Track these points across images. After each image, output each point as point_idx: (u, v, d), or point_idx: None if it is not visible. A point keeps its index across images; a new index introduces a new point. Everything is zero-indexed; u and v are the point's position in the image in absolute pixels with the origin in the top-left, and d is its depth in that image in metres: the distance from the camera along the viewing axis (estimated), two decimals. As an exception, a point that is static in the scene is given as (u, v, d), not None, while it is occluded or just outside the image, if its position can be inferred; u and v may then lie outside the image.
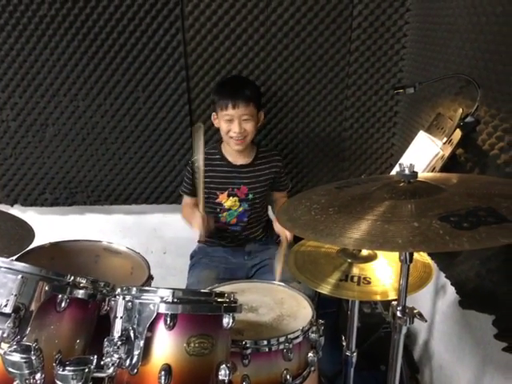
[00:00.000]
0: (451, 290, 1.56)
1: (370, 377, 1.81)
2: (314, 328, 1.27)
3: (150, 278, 1.50)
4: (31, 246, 1.45)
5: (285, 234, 1.69)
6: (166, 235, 2.37)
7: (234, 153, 1.84)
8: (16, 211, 2.18)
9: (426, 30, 1.79)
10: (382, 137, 2.13)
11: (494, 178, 1.10)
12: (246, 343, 1.15)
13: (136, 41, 1.94)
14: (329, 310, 2.11)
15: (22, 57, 1.95)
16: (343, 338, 1.36)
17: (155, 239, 2.37)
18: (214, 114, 1.80)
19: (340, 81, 2.03)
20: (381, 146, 2.14)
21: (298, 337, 1.22)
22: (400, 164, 0.85)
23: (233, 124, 1.72)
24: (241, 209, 1.87)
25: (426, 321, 0.95)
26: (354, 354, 1.35)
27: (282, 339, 1.18)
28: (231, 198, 1.85)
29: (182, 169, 2.15)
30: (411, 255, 0.85)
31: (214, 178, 1.84)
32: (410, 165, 0.83)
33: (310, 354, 1.27)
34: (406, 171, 0.83)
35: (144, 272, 1.52)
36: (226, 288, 1.44)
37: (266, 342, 1.18)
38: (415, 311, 0.92)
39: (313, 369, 1.27)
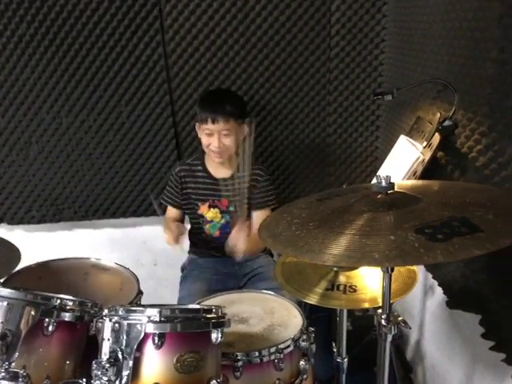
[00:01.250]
0: (439, 291, 1.59)
1: (363, 379, 1.81)
2: (305, 336, 1.28)
3: (140, 293, 1.49)
4: (18, 267, 1.45)
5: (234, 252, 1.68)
6: (156, 247, 2.36)
7: (215, 165, 1.83)
8: (3, 230, 2.17)
9: (402, 36, 1.83)
10: (365, 140, 2.15)
11: (469, 185, 1.13)
12: (237, 355, 1.16)
13: (117, 56, 1.95)
14: (321, 314, 2.12)
15: (3, 76, 1.95)
16: (333, 344, 1.38)
17: (145, 251, 2.36)
18: (197, 124, 1.80)
19: (322, 87, 2.06)
20: (365, 149, 2.17)
21: (288, 346, 1.23)
22: (377, 176, 0.87)
23: (212, 138, 1.71)
24: (223, 220, 1.85)
25: (409, 328, 0.96)
26: (345, 359, 1.36)
27: (272, 350, 1.19)
28: (212, 209, 1.85)
29: (168, 181, 2.15)
30: (392, 264, 0.87)
31: (195, 190, 1.85)
32: (387, 176, 0.85)
33: (302, 362, 1.27)
34: (383, 183, 0.85)
35: (133, 287, 1.51)
36: (215, 300, 1.45)
37: (257, 354, 1.18)
38: (399, 319, 0.93)
39: (305, 376, 1.28)
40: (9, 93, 1.97)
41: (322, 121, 2.12)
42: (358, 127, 2.13)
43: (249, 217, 1.83)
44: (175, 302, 1.81)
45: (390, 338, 0.93)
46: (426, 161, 1.35)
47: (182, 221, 1.94)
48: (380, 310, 0.94)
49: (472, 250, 0.64)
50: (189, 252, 2.00)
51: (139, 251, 2.35)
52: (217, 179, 1.83)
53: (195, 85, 2.03)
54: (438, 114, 1.41)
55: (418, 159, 1.36)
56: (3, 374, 0.81)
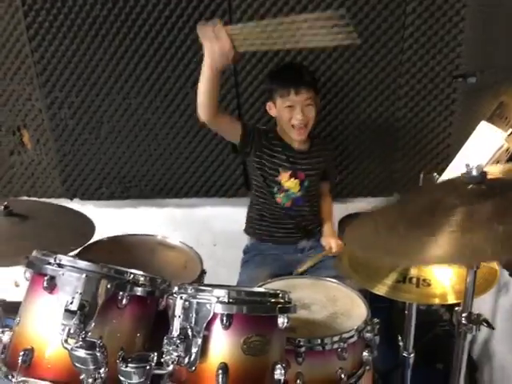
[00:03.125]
0: (515, 289, 1.49)
1: (426, 375, 1.76)
2: (369, 327, 1.25)
3: (203, 272, 1.53)
4: (91, 241, 1.52)
5: (330, 246, 1.67)
6: (216, 228, 2.40)
7: (290, 140, 1.79)
8: (75, 204, 2.28)
9: (485, 14, 1.69)
10: (437, 126, 2.04)
11: None
12: (299, 341, 1.15)
13: (185, 37, 1.96)
14: (381, 304, 2.06)
15: (78, 57, 2.02)
16: (400, 338, 1.33)
17: (205, 232, 2.40)
18: (269, 103, 1.76)
19: (393, 69, 1.96)
20: (437, 135, 2.05)
21: (352, 336, 1.20)
22: (467, 165, 0.80)
23: (295, 111, 1.68)
24: (299, 193, 1.82)
25: (493, 328, 0.90)
26: (412, 354, 1.32)
27: (336, 338, 1.17)
28: (293, 179, 1.80)
29: (231, 163, 2.17)
30: (477, 260, 0.81)
31: (278, 154, 1.78)
32: (478, 165, 0.78)
33: (365, 353, 1.25)
34: (474, 172, 0.78)
35: (197, 266, 1.55)
36: (276, 284, 1.44)
37: (319, 341, 1.17)
38: (481, 318, 0.87)
39: (368, 368, 1.25)
40: (83, 73, 2.05)
41: (392, 105, 2.03)
42: (430, 112, 2.02)
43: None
44: (234, 283, 1.83)
45: (469, 337, 0.88)
46: (511, 149, 1.25)
47: (227, 123, 1.76)
48: (458, 308, 0.89)
49: None
50: (251, 235, 1.97)
51: (199, 231, 2.38)
52: (298, 151, 1.80)
53: (261, 66, 2.00)
54: (527, 99, 1.29)
55: (501, 147, 1.26)
56: (81, 343, 0.85)
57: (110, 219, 2.29)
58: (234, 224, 2.05)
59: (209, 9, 1.92)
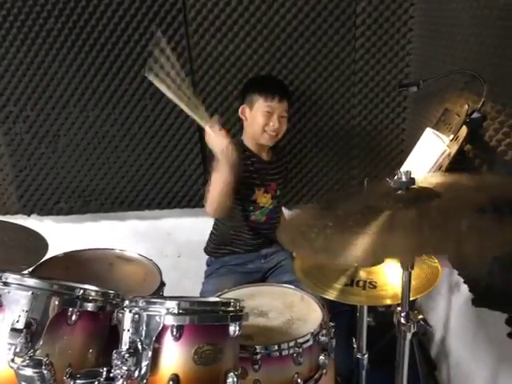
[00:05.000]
0: (465, 288, 1.55)
1: (385, 375, 1.79)
2: (325, 331, 1.27)
3: (162, 284, 1.52)
4: (46, 257, 1.49)
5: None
6: (180, 239, 2.40)
7: (257, 149, 1.80)
8: (33, 221, 2.24)
9: (430, 25, 1.77)
10: (391, 133, 2.11)
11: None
12: (255, 348, 1.16)
13: (142, 49, 1.96)
14: (344, 308, 2.10)
15: (32, 70, 1.99)
16: (353, 340, 1.36)
17: (169, 243, 2.40)
18: (243, 106, 1.76)
19: (346, 78, 2.02)
20: (390, 142, 2.12)
21: (308, 340, 1.22)
22: (398, 171, 0.84)
23: (272, 117, 1.70)
24: (271, 206, 1.83)
25: (430, 327, 0.94)
26: (366, 356, 1.35)
27: (291, 344, 1.19)
28: (265, 194, 1.81)
29: (192, 173, 2.18)
30: (413, 262, 0.85)
31: (250, 173, 1.76)
32: (406, 172, 0.82)
33: (322, 357, 1.27)
34: (403, 178, 0.83)
35: (156, 279, 1.54)
36: (236, 293, 1.45)
37: (276, 347, 1.19)
38: (419, 317, 0.91)
39: (325, 371, 1.28)
40: (37, 87, 2.02)
41: (347, 113, 2.08)
42: (383, 119, 2.09)
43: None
44: (198, 294, 1.83)
45: (409, 336, 0.91)
46: (452, 154, 1.31)
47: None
48: (399, 308, 0.92)
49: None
50: (216, 251, 1.94)
51: (163, 243, 2.38)
52: (267, 162, 1.82)
53: (218, 77, 2.02)
54: (466, 106, 1.36)
55: (444, 152, 1.33)
56: (27, 362, 0.84)
57: (70, 234, 2.26)
58: (197, 235, 2.05)
59: (165, 21, 1.93)
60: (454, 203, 0.78)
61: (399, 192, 0.83)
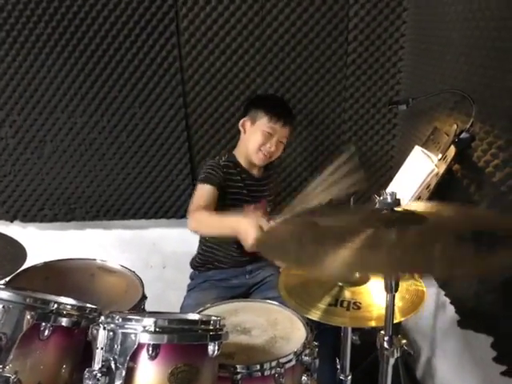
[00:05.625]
0: (451, 308, 1.53)
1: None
2: (308, 351, 1.24)
3: (144, 297, 1.48)
4: (26, 266, 1.45)
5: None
6: (166, 250, 2.36)
7: (249, 166, 1.77)
8: (16, 227, 2.19)
9: (421, 43, 1.78)
10: (380, 149, 2.11)
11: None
12: (236, 368, 1.13)
13: (132, 57, 1.95)
14: (329, 325, 2.08)
15: (20, 75, 1.96)
16: (337, 360, 1.34)
17: (154, 254, 2.36)
18: (246, 119, 1.72)
19: (337, 94, 2.02)
20: (380, 158, 2.12)
21: (290, 360, 1.19)
22: (383, 192, 0.83)
23: (271, 140, 1.67)
24: None
25: (413, 352, 0.92)
26: (349, 377, 1.32)
27: (273, 363, 1.15)
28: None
29: (180, 183, 2.15)
30: (397, 284, 0.83)
31: (241, 189, 1.73)
32: (392, 193, 0.81)
33: (304, 378, 1.24)
34: (389, 199, 0.81)
35: (138, 291, 1.50)
36: (218, 308, 1.42)
37: (258, 367, 1.14)
38: (403, 342, 0.89)
39: (307, 392, 1.24)
40: (25, 91, 1.99)
41: (337, 128, 2.08)
42: (373, 135, 2.09)
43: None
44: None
45: (392, 361, 0.89)
46: (440, 174, 1.31)
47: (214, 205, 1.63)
48: (382, 332, 0.90)
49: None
50: (201, 266, 1.88)
51: (148, 253, 2.34)
52: (258, 179, 1.79)
53: (209, 88, 2.02)
54: (455, 126, 1.36)
55: (432, 172, 1.32)
56: (-5, 379, 0.81)
57: (53, 242, 2.22)
58: (183, 246, 2.02)
59: (156, 30, 1.92)
60: (434, 229, 0.77)
61: (383, 212, 0.81)
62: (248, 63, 1.97)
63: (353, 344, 1.72)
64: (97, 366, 0.87)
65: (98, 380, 0.84)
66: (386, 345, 0.88)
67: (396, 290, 0.83)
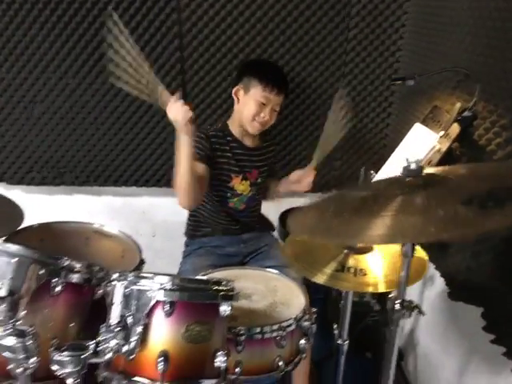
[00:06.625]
0: (439, 282, 1.60)
1: (356, 364, 1.84)
2: (307, 316, 1.28)
3: (142, 262, 1.48)
4: (19, 227, 1.42)
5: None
6: (156, 218, 2.35)
7: (242, 135, 1.76)
8: (1, 189, 2.13)
9: (425, 22, 1.79)
10: (375, 127, 2.13)
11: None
12: (240, 330, 1.15)
13: (130, 18, 1.88)
14: (317, 296, 2.13)
15: (10, 30, 1.87)
16: (335, 326, 1.38)
17: (144, 222, 2.34)
18: (238, 87, 1.68)
19: (336, 69, 2.02)
20: (374, 135, 2.14)
21: (291, 325, 1.23)
22: (406, 159, 0.85)
23: (265, 109, 1.65)
24: (250, 193, 1.80)
25: (424, 314, 0.96)
26: (346, 342, 1.37)
27: (275, 327, 1.19)
28: (244, 181, 1.77)
29: (174, 152, 2.11)
30: (413, 248, 0.86)
31: (228, 159, 1.73)
32: (416, 159, 0.83)
33: (302, 342, 1.28)
34: (413, 166, 0.84)
35: (135, 256, 1.50)
36: (218, 274, 1.44)
37: (259, 330, 1.18)
38: (413, 305, 0.93)
39: (304, 356, 1.29)
40: (15, 48, 1.90)
41: (334, 103, 2.09)
42: (369, 113, 2.10)
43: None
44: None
45: (402, 323, 0.93)
46: (442, 150, 1.34)
47: (207, 184, 1.66)
48: (392, 295, 0.94)
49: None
50: (195, 233, 1.91)
51: (138, 221, 2.32)
52: (250, 148, 1.77)
53: (208, 67, 1.97)
54: (458, 104, 1.39)
55: (434, 147, 1.35)
56: (10, 331, 0.80)
57: (41, 206, 2.16)
58: (174, 215, 2.00)
59: (157, 4, 1.85)
60: (457, 189, 0.80)
61: (408, 179, 0.83)
62: (248, 32, 1.94)
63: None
64: (114, 320, 0.88)
65: (116, 334, 0.85)
66: (398, 307, 0.92)
67: (412, 255, 0.86)
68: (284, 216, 2.08)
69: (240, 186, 1.78)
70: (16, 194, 2.15)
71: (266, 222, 1.98)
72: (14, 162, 2.10)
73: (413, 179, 0.83)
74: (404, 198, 0.78)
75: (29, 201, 2.12)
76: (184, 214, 1.96)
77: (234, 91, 1.72)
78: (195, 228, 1.89)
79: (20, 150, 2.07)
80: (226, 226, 1.84)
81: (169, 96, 1.43)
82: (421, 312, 0.95)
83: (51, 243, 1.51)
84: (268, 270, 1.49)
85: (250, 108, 1.66)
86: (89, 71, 1.96)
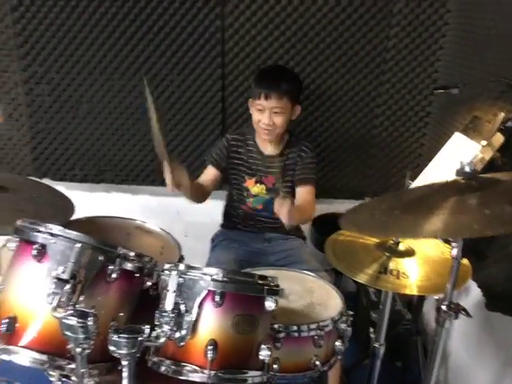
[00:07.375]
0: (475, 292, 1.58)
1: (386, 371, 1.83)
2: (344, 318, 1.29)
3: (182, 258, 1.52)
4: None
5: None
6: (188, 219, 2.40)
7: (264, 141, 1.81)
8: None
9: (466, 32, 1.80)
10: (411, 136, 2.14)
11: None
12: (279, 327, 1.18)
13: (175, 24, 1.96)
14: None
15: (62, 32, 1.97)
16: (371, 330, 1.39)
17: (178, 221, 2.39)
18: (250, 100, 1.77)
19: (374, 77, 2.04)
20: (410, 145, 2.15)
21: (328, 325, 1.24)
22: (460, 162, 0.87)
23: (263, 115, 1.69)
24: (268, 196, 1.84)
25: (471, 316, 0.97)
26: (383, 346, 1.38)
27: (313, 326, 1.21)
28: (258, 184, 1.83)
29: (211, 154, 2.17)
30: (461, 252, 0.88)
31: (244, 162, 1.82)
32: (471, 161, 0.85)
33: (338, 343, 1.29)
34: (467, 169, 0.86)
35: (175, 252, 1.54)
36: (258, 272, 1.46)
37: (297, 328, 1.20)
38: (460, 307, 0.94)
39: (339, 357, 1.30)
40: (66, 49, 2.00)
41: (370, 112, 2.11)
42: (405, 122, 2.11)
43: (291, 193, 1.81)
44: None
45: (448, 324, 0.94)
46: (485, 159, 1.34)
47: (215, 184, 1.85)
48: (436, 297, 0.95)
49: None
50: (221, 225, 1.99)
51: (172, 221, 2.35)
52: (265, 156, 1.82)
53: (248, 61, 2.04)
54: (502, 114, 1.39)
55: (477, 157, 1.35)
56: (72, 312, 0.84)
57: (82, 202, 2.22)
58: (205, 216, 2.06)
59: (202, -1, 1.93)
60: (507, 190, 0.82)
61: (462, 181, 0.86)
62: (289, 39, 1.99)
63: (372, 322, 1.79)
64: (169, 307, 0.91)
65: (170, 320, 0.89)
66: (444, 308, 0.93)
67: (462, 258, 0.87)
68: (317, 221, 2.10)
69: (254, 188, 1.84)
70: (59, 189, 2.23)
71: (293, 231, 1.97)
72: (58, 159, 2.19)
73: (466, 181, 0.84)
74: (457, 198, 0.80)
75: (71, 197, 2.23)
76: (216, 216, 2.00)
77: (249, 104, 1.79)
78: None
79: (64, 147, 2.16)
80: (246, 222, 1.89)
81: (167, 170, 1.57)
82: (468, 314, 0.96)
83: (95, 236, 1.56)
84: (303, 271, 1.51)
85: (254, 115, 1.75)
86: (134, 74, 2.04)
